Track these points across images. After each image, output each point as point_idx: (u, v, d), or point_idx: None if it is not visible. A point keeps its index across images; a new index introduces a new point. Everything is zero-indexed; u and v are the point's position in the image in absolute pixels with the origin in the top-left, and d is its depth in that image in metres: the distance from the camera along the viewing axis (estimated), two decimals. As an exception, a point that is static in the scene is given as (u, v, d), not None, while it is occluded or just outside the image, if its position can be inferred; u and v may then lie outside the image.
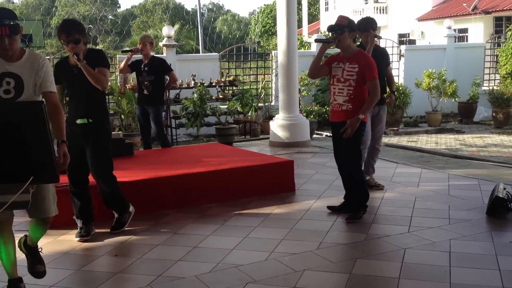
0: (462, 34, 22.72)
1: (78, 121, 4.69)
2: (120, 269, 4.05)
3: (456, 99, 14.03)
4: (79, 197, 4.81)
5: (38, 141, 2.93)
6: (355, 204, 5.25)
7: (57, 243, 4.66)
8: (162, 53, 12.51)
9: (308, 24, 25.00)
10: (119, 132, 8.87)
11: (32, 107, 3.02)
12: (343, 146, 5.18)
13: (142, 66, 7.58)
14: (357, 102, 5.06)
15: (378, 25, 6.09)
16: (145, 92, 7.60)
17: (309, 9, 29.59)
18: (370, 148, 6.21)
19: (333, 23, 5.18)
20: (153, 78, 7.56)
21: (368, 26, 6.00)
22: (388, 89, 6.36)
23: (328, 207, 5.47)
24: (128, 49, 7.62)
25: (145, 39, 7.62)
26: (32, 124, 2.91)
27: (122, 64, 7.62)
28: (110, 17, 50.57)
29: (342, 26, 5.01)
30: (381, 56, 6.16)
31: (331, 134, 5.54)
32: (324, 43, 5.16)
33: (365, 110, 5.07)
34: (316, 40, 5.93)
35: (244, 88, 12.72)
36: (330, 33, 5.12)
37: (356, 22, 6.03)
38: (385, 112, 6.38)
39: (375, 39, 6.02)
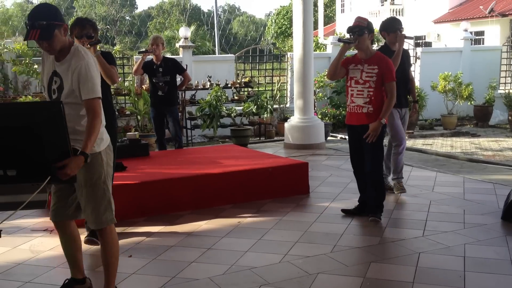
0: (479, 37, 22.52)
1: None
2: (135, 270, 4.08)
3: (472, 102, 13.93)
4: None
5: (56, 141, 2.94)
6: (375, 206, 5.22)
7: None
8: (178, 54, 12.57)
9: (324, 26, 24.93)
10: (136, 132, 8.93)
11: (50, 107, 3.02)
12: (366, 150, 5.13)
13: (155, 67, 7.51)
14: (377, 103, 5.04)
15: (390, 28, 6.00)
16: (160, 93, 7.53)
17: (325, 10, 29.51)
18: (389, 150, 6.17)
19: (349, 24, 5.17)
20: (168, 78, 7.54)
21: (396, 26, 5.89)
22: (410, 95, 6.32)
23: (343, 211, 5.46)
24: (144, 50, 7.61)
25: (157, 40, 7.54)
26: (50, 124, 2.91)
27: (136, 66, 7.57)
28: (127, 18, 50.89)
29: (362, 27, 4.99)
30: (406, 57, 6.12)
31: (346, 137, 5.51)
32: (345, 43, 5.09)
33: (385, 113, 5.06)
34: (339, 40, 5.74)
35: (259, 89, 12.75)
36: (349, 35, 5.09)
37: (381, 22, 6.03)
38: (408, 115, 6.29)
39: (405, 39, 5.88)
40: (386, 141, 5.97)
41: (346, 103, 5.25)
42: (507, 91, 14.59)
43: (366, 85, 5.04)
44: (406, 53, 6.21)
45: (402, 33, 5.89)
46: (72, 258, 3.58)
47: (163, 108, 7.59)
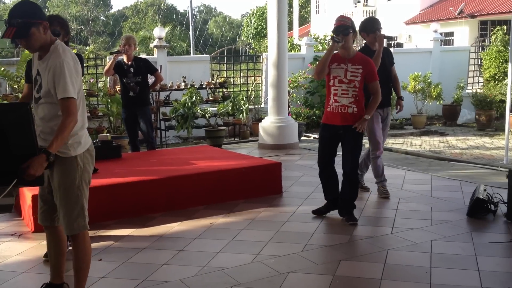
0: (448, 38, 22.87)
1: None
2: (104, 274, 4.06)
3: (441, 102, 14.18)
4: None
5: (23, 143, 2.90)
6: (350, 205, 5.27)
7: (40, 248, 4.62)
8: (153, 54, 12.54)
9: (299, 26, 25.04)
10: (108, 134, 8.88)
11: (17, 108, 2.99)
12: (347, 150, 5.14)
13: (126, 68, 7.39)
14: (361, 104, 5.09)
15: (370, 28, 6.01)
16: (131, 94, 7.44)
17: (300, 12, 29.58)
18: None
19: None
20: (140, 79, 7.43)
21: (375, 27, 5.92)
22: (394, 93, 6.35)
23: (313, 212, 5.46)
24: (116, 50, 7.53)
25: (130, 40, 7.42)
26: (17, 126, 2.87)
27: (107, 66, 7.42)
28: (102, 18, 50.40)
29: (347, 27, 5.01)
30: (387, 55, 6.14)
31: (318, 136, 5.42)
32: (335, 42, 5.02)
33: (371, 111, 5.13)
34: (332, 38, 5.34)
35: (234, 90, 12.78)
36: (334, 35, 5.02)
37: (360, 23, 6.04)
38: (390, 115, 6.34)
39: (384, 39, 5.94)
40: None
41: (328, 102, 5.18)
42: (474, 90, 14.89)
43: (351, 84, 5.04)
44: (387, 51, 6.21)
45: (381, 33, 5.94)
46: (53, 262, 3.55)
47: (134, 108, 7.48)
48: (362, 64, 5.06)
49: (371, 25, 5.97)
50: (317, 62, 13.06)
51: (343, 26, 5.00)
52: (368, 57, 5.25)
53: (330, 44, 5.11)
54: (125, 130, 7.94)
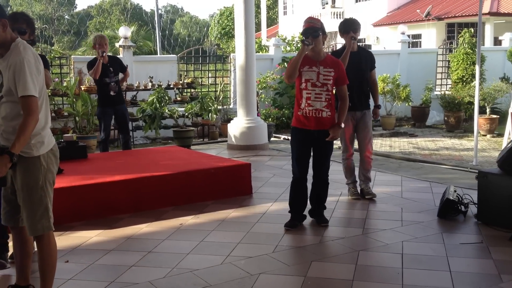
0: (416, 40, 23.25)
1: None
2: (72, 275, 3.96)
3: (410, 103, 14.34)
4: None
5: None
6: (321, 206, 5.21)
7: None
8: (119, 54, 12.33)
9: (267, 27, 25.10)
10: (73, 134, 8.70)
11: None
12: (321, 155, 5.05)
13: (106, 68, 7.46)
14: (333, 107, 5.00)
15: (344, 29, 5.94)
16: (112, 93, 7.54)
17: (267, 12, 29.71)
18: (360, 156, 6.09)
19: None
20: (118, 78, 7.61)
21: (348, 28, 5.86)
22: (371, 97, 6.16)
23: (286, 226, 5.07)
24: (101, 53, 7.38)
25: (105, 40, 7.52)
26: None
27: (97, 69, 7.38)
28: (66, 17, 49.59)
29: (317, 29, 4.87)
30: (366, 59, 6.02)
31: (289, 137, 5.37)
32: (306, 45, 4.85)
33: (342, 117, 5.05)
34: (302, 41, 5.06)
35: (202, 90, 12.67)
36: (304, 37, 4.91)
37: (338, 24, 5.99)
38: (370, 117, 6.07)
39: (352, 41, 5.84)
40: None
41: (299, 105, 5.00)
42: (443, 92, 15.11)
43: (324, 88, 4.92)
44: (364, 54, 6.11)
45: (352, 34, 5.85)
46: (19, 263, 3.47)
47: (115, 107, 7.61)
48: (333, 66, 4.96)
49: (344, 26, 5.93)
50: (286, 64, 13.17)
51: (312, 28, 4.87)
52: (338, 59, 5.20)
53: (300, 46, 5.00)
54: (101, 129, 7.88)
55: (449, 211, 5.28)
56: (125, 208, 5.55)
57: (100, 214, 5.36)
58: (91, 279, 3.91)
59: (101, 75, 7.47)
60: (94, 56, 7.75)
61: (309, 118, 4.95)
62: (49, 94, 10.17)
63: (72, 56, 11.77)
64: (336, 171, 7.18)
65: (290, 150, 5.27)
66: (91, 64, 7.59)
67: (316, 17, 5.08)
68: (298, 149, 5.06)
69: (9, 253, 4.13)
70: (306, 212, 5.25)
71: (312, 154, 5.11)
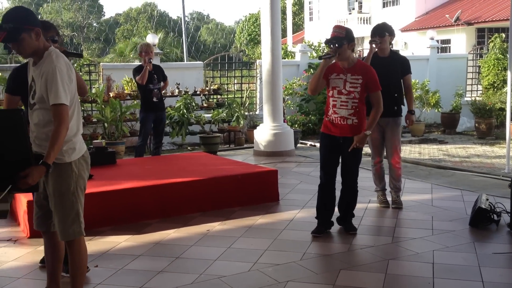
0: (445, 45, 22.95)
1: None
2: (101, 280, 3.98)
3: (439, 110, 14.14)
4: None
5: (17, 149, 2.89)
6: (349, 214, 5.14)
7: (36, 253, 4.57)
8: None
9: (293, 33, 25.08)
10: (102, 140, 8.79)
11: (10, 114, 2.98)
12: (348, 161, 4.99)
13: (151, 75, 7.73)
14: (361, 115, 4.91)
15: (369, 34, 5.84)
16: (155, 99, 7.84)
17: (293, 19, 29.70)
18: (389, 164, 5.99)
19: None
20: (161, 85, 7.95)
21: (372, 33, 5.82)
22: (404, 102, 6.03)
23: (314, 233, 5.05)
24: (149, 60, 7.69)
25: (150, 48, 7.83)
26: (10, 132, 2.86)
27: (144, 75, 7.64)
28: (95, 24, 50.35)
29: (341, 38, 4.78)
30: (395, 64, 5.87)
31: (316, 144, 5.31)
32: (326, 59, 4.83)
33: (371, 125, 4.96)
34: (320, 58, 5.18)
35: (228, 97, 12.71)
36: (328, 46, 4.87)
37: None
38: (398, 125, 5.90)
39: (373, 45, 5.79)
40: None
41: (327, 112, 4.99)
42: (473, 98, 14.87)
43: (351, 95, 4.85)
44: (395, 58, 5.97)
45: (373, 39, 5.80)
46: (50, 268, 3.50)
47: (157, 113, 7.90)
48: (362, 73, 4.87)
49: (372, 32, 5.88)
50: (312, 70, 13.13)
51: (336, 38, 4.79)
52: (369, 65, 5.13)
53: (323, 52, 4.96)
54: (141, 134, 8.09)
55: (481, 220, 5.17)
56: (153, 213, 5.57)
57: (128, 219, 5.39)
58: (120, 284, 3.92)
59: (146, 81, 7.73)
60: (139, 63, 8.06)
61: (335, 125, 4.92)
62: (79, 100, 10.29)
63: (100, 63, 11.92)
64: (365, 178, 7.09)
65: (316, 157, 5.29)
66: (137, 71, 7.82)
67: (343, 25, 5.01)
68: (324, 154, 5.03)
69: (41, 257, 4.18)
70: (333, 219, 5.19)
71: (340, 161, 5.06)
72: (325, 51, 17.65)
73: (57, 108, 3.07)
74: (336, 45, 4.77)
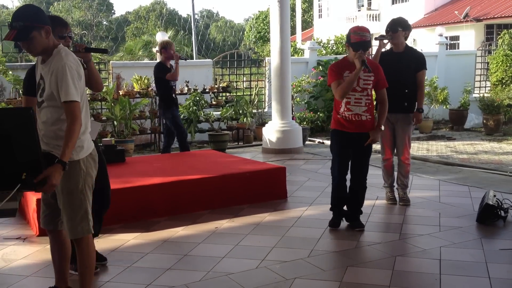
0: (454, 42, 22.85)
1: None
2: (110, 278, 4.03)
3: (447, 106, 14.08)
4: None
5: (26, 148, 2.90)
6: (359, 210, 5.18)
7: (45, 252, 4.59)
8: (156, 59, 12.49)
9: (302, 31, 25.05)
10: (111, 138, 8.85)
11: (21, 113, 3.00)
12: (360, 157, 5.04)
13: (164, 72, 7.91)
14: (372, 111, 5.01)
15: (378, 31, 5.96)
16: (174, 96, 8.07)
17: (302, 16, 29.66)
18: (398, 160, 5.99)
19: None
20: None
21: (387, 28, 5.88)
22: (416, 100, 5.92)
23: (330, 225, 5.17)
24: (183, 57, 8.08)
25: (173, 45, 8.07)
26: (20, 131, 2.88)
27: (178, 70, 7.92)
28: (105, 23, 50.55)
29: (369, 42, 4.84)
30: (409, 60, 5.83)
31: (324, 141, 5.29)
32: (363, 65, 4.74)
33: (382, 120, 5.05)
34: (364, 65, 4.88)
35: (237, 94, 12.73)
36: (354, 49, 4.82)
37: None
38: (409, 122, 5.86)
39: (384, 41, 5.84)
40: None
41: (338, 109, 4.99)
42: (481, 95, 14.79)
43: (364, 93, 4.91)
44: (410, 54, 5.91)
45: (381, 35, 5.86)
46: (57, 267, 3.53)
47: (177, 109, 8.17)
48: (373, 71, 4.92)
49: (386, 27, 5.92)
50: (321, 67, 13.11)
51: (365, 43, 4.80)
52: (377, 63, 5.16)
53: (356, 65, 4.79)
54: (178, 129, 8.18)
55: (489, 216, 5.17)
56: (162, 211, 5.61)
57: (137, 216, 5.44)
58: (129, 282, 3.96)
59: (164, 78, 7.90)
60: (158, 61, 8.34)
61: (351, 122, 4.95)
62: (88, 99, 10.37)
63: (110, 62, 11.99)
64: (372, 175, 7.09)
65: (324, 154, 5.27)
66: (160, 69, 7.95)
67: (365, 27, 4.96)
68: (339, 151, 5.05)
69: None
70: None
71: (352, 158, 5.09)
72: (334, 47, 17.63)
73: (69, 105, 3.08)
74: (365, 48, 4.80)
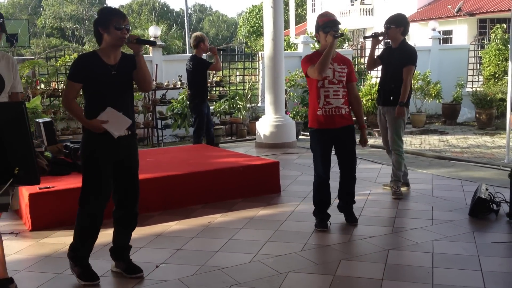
0: (447, 36, 22.88)
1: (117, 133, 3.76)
2: (102, 273, 4.01)
3: (440, 101, 14.13)
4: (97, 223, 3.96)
5: (19, 142, 2.90)
6: (352, 201, 5.16)
7: (38, 246, 4.62)
8: (148, 53, 12.46)
9: (295, 25, 25.03)
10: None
11: (13, 107, 3.00)
12: (349, 153, 5.01)
13: (206, 64, 8.08)
14: (348, 104, 4.99)
15: (371, 26, 6.08)
16: (208, 89, 8.34)
17: (296, 10, 29.62)
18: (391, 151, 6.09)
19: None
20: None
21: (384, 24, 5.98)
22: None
23: (319, 227, 5.01)
24: (221, 48, 8.44)
25: (207, 38, 8.15)
26: (13, 124, 2.88)
27: (217, 62, 8.11)
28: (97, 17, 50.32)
29: (338, 23, 4.83)
30: (401, 55, 5.89)
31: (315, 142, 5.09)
32: (336, 37, 4.71)
33: (362, 119, 5.09)
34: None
35: (230, 89, 12.72)
36: (324, 30, 4.79)
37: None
38: (392, 116, 5.90)
39: (379, 38, 5.96)
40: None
41: (317, 105, 4.88)
42: (474, 89, 14.85)
43: (340, 85, 4.88)
44: (402, 50, 5.95)
45: (374, 33, 6.02)
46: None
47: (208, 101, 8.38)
48: (345, 63, 4.94)
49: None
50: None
51: (334, 22, 4.80)
52: (345, 56, 5.14)
53: (329, 41, 4.73)
54: (202, 123, 8.20)
55: (481, 210, 5.20)
56: (155, 205, 5.60)
57: (130, 211, 5.42)
58: (122, 276, 3.96)
59: (205, 70, 8.03)
60: (191, 54, 8.41)
61: (330, 117, 4.87)
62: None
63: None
64: (364, 169, 7.16)
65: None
66: (199, 61, 7.98)
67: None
68: (322, 149, 4.96)
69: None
70: (333, 207, 5.24)
71: (337, 152, 5.06)
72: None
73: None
74: (335, 29, 4.78)
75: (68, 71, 4.81)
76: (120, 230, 4.02)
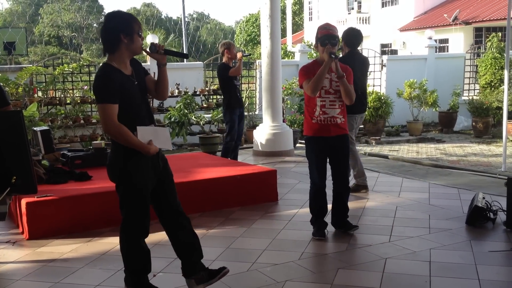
0: (443, 45, 22.99)
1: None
2: (100, 282, 4.01)
3: (437, 109, 14.19)
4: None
5: (16, 150, 2.91)
6: (347, 212, 5.13)
7: (35, 255, 4.60)
8: (146, 61, 12.48)
9: (292, 33, 25.12)
10: (102, 141, 8.82)
11: (10, 116, 3.00)
12: (342, 161, 4.99)
13: (226, 69, 7.97)
14: (345, 113, 4.97)
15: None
16: (239, 95, 8.14)
17: (293, 18, 29.74)
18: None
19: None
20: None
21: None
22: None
23: (317, 236, 4.99)
24: (246, 53, 8.31)
25: (234, 45, 8.18)
26: (10, 133, 2.88)
27: (239, 67, 7.99)
28: (95, 25, 50.37)
29: (336, 36, 4.85)
30: (357, 64, 6.02)
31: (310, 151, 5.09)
32: (332, 58, 4.71)
33: (344, 77, 4.98)
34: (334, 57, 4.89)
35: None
36: (321, 43, 4.82)
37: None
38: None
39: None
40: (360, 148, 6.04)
41: (312, 114, 4.91)
42: (470, 97, 14.91)
43: (337, 94, 4.86)
44: (360, 59, 6.18)
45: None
46: None
47: (241, 109, 8.18)
48: (344, 71, 4.86)
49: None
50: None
51: (331, 36, 4.79)
52: (345, 65, 5.07)
53: (325, 58, 4.75)
54: (231, 132, 8.17)
55: (478, 218, 5.20)
56: (152, 214, 5.56)
57: (127, 220, 5.40)
58: (118, 285, 3.94)
59: (232, 78, 7.96)
60: (221, 62, 8.42)
61: (325, 126, 4.88)
62: (78, 101, 10.35)
63: (100, 64, 11.95)
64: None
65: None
66: (224, 68, 7.97)
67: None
68: (318, 157, 4.97)
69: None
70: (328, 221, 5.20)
71: (330, 162, 5.05)
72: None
73: None
74: (332, 42, 4.78)
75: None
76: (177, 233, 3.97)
